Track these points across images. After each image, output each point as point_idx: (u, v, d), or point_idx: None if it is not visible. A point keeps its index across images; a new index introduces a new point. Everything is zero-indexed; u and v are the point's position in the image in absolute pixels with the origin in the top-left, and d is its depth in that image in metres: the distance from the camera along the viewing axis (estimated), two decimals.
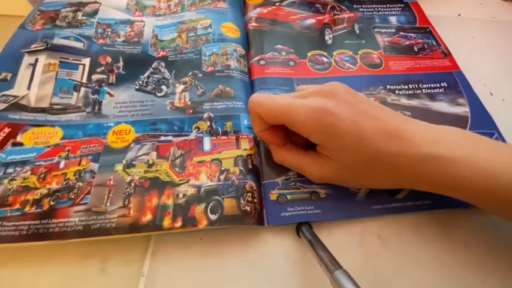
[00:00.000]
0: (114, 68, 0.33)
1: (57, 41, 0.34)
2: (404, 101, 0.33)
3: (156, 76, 0.33)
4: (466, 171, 0.21)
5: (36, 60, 0.32)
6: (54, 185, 0.25)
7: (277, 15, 0.40)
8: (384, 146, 0.22)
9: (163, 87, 0.32)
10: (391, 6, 0.43)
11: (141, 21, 0.38)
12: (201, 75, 0.33)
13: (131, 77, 0.32)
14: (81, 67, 0.33)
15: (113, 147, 0.27)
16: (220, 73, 0.33)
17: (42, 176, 0.25)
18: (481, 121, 0.32)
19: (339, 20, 0.41)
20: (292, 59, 0.36)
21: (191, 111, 0.30)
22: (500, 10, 0.45)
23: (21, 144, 0.27)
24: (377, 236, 0.25)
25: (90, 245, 0.24)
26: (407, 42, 0.39)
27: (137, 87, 0.32)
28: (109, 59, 0.33)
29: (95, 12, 0.37)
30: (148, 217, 0.24)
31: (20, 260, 0.23)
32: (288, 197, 0.26)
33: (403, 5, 0.44)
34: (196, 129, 0.29)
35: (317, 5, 0.42)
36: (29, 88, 0.30)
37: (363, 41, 0.39)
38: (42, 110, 0.29)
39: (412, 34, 0.40)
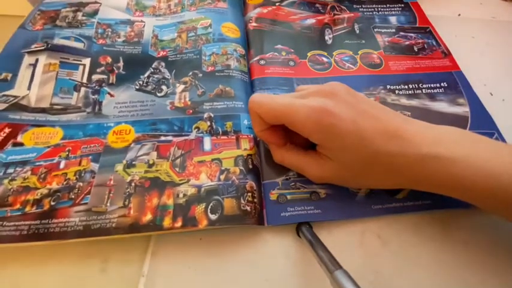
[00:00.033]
0: (114, 68, 0.33)
1: (58, 41, 0.34)
2: (404, 101, 0.33)
3: (156, 76, 0.33)
4: (466, 171, 0.21)
5: (37, 60, 0.32)
6: (54, 185, 0.25)
7: (277, 15, 0.40)
8: (384, 146, 0.22)
9: (164, 87, 0.32)
10: (391, 6, 0.43)
11: (141, 21, 0.38)
12: (201, 75, 0.33)
13: (131, 77, 0.32)
14: (81, 67, 0.33)
15: (113, 147, 0.27)
16: (220, 73, 0.33)
17: (42, 176, 0.25)
18: (481, 121, 0.32)
19: (339, 20, 0.41)
20: (292, 59, 0.36)
21: (191, 111, 0.30)
22: (500, 10, 0.45)
23: (21, 144, 0.27)
24: (377, 236, 0.25)
25: (90, 245, 0.24)
26: (407, 42, 0.39)
27: (137, 87, 0.32)
28: (109, 59, 0.33)
29: (95, 12, 0.37)
30: (148, 217, 0.24)
31: (20, 260, 0.23)
32: (288, 197, 0.26)
33: (403, 5, 0.44)
34: (196, 129, 0.29)
35: (317, 5, 0.42)
36: (29, 88, 0.30)
37: (363, 41, 0.39)
38: (43, 110, 0.29)
39: (412, 34, 0.40)
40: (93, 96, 0.31)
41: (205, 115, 0.30)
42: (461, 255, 0.25)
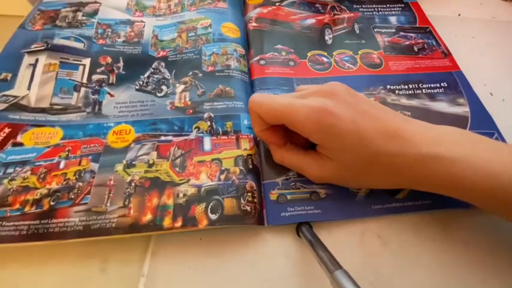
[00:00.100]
0: (114, 68, 0.33)
1: (58, 41, 0.34)
2: (404, 101, 0.33)
3: (156, 76, 0.33)
4: (466, 171, 0.21)
5: (37, 60, 0.32)
6: (54, 185, 0.25)
7: (277, 15, 0.40)
8: (384, 146, 0.22)
9: (164, 87, 0.32)
10: (391, 6, 0.43)
11: (141, 21, 0.38)
12: (201, 75, 0.33)
13: (131, 77, 0.32)
14: (81, 67, 0.33)
15: (113, 147, 0.27)
16: (220, 73, 0.33)
17: (42, 176, 0.25)
18: (481, 121, 0.32)
19: (339, 20, 0.41)
20: (292, 59, 0.36)
21: (191, 111, 0.30)
22: (500, 10, 0.45)
23: (21, 144, 0.27)
24: (377, 236, 0.25)
25: (90, 245, 0.24)
26: (407, 42, 0.39)
27: (137, 87, 0.32)
28: (109, 59, 0.33)
29: (95, 12, 0.37)
30: (148, 217, 0.24)
31: (20, 260, 0.23)
32: (288, 197, 0.26)
33: (403, 5, 0.44)
34: (196, 129, 0.29)
35: (317, 5, 0.42)
36: (29, 88, 0.30)
37: (363, 41, 0.39)
38: (43, 110, 0.29)
39: (412, 34, 0.40)
40: (93, 96, 0.31)
41: (206, 115, 0.30)
42: (461, 255, 0.25)
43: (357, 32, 0.40)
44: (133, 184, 0.25)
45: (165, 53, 0.35)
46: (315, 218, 0.25)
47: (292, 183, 0.27)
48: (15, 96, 0.29)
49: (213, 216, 0.24)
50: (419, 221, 0.26)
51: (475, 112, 0.32)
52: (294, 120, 0.23)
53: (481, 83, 0.35)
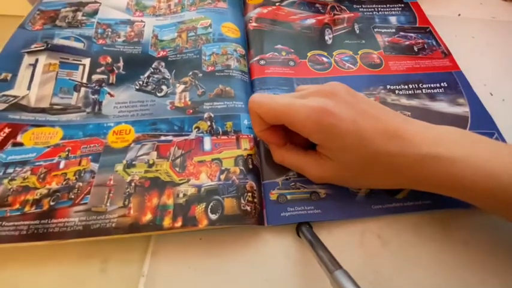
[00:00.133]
0: (114, 68, 0.33)
1: (57, 41, 0.34)
2: (404, 101, 0.33)
3: (156, 76, 0.33)
4: (466, 171, 0.21)
5: (37, 60, 0.32)
6: (54, 185, 0.25)
7: (277, 15, 0.40)
8: (384, 146, 0.22)
9: (164, 87, 0.32)
10: (391, 6, 0.43)
11: (141, 21, 0.38)
12: (201, 75, 0.33)
13: (131, 77, 0.32)
14: (81, 67, 0.33)
15: (113, 147, 0.27)
16: (220, 73, 0.33)
17: (42, 176, 0.25)
18: (481, 121, 0.32)
19: (339, 20, 0.41)
20: (292, 59, 0.36)
21: (191, 111, 0.30)
22: (500, 10, 0.45)
23: (21, 144, 0.27)
24: (377, 236, 0.25)
25: (90, 245, 0.24)
26: (407, 42, 0.39)
27: (137, 87, 0.32)
28: (109, 59, 0.33)
29: (95, 12, 0.37)
30: (148, 217, 0.24)
31: (20, 260, 0.23)
32: (288, 197, 0.26)
33: (403, 5, 0.44)
34: (196, 129, 0.29)
35: (317, 5, 0.42)
36: (29, 88, 0.30)
37: (363, 41, 0.39)
38: (42, 110, 0.29)
39: (412, 34, 0.40)
40: (93, 96, 0.31)
41: (206, 115, 0.30)
42: (461, 255, 0.25)
43: (357, 32, 0.40)
44: (133, 184, 0.25)
45: (165, 52, 0.35)
46: (315, 218, 0.25)
47: (292, 183, 0.27)
48: (15, 96, 0.29)
49: (213, 216, 0.24)
50: (419, 221, 0.26)
51: (475, 112, 0.32)
52: (294, 120, 0.23)
53: (481, 83, 0.35)
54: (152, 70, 0.33)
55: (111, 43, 0.35)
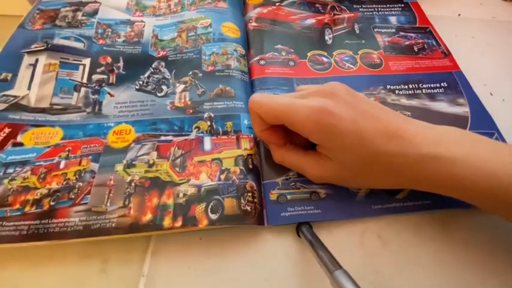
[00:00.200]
0: (114, 68, 0.33)
1: (58, 41, 0.34)
2: (404, 101, 0.33)
3: (156, 76, 0.33)
4: (466, 171, 0.21)
5: (37, 60, 0.32)
6: (54, 185, 0.25)
7: (277, 15, 0.40)
8: (384, 146, 0.22)
9: (164, 87, 0.32)
10: (391, 6, 0.43)
11: (141, 21, 0.38)
12: (201, 74, 0.33)
13: (131, 77, 0.32)
14: (81, 67, 0.33)
15: (113, 147, 0.27)
16: (220, 73, 0.33)
17: (42, 176, 0.25)
18: (481, 121, 0.32)
19: (339, 20, 0.41)
20: (292, 59, 0.36)
21: (191, 111, 0.30)
22: (500, 10, 0.45)
23: (21, 144, 0.27)
24: (377, 236, 0.25)
25: (90, 245, 0.24)
26: (407, 42, 0.39)
27: (137, 87, 0.32)
28: (109, 59, 0.33)
29: (95, 12, 0.37)
30: (148, 217, 0.24)
31: (20, 260, 0.23)
32: (288, 197, 0.26)
33: (403, 5, 0.44)
34: (196, 129, 0.29)
35: (317, 5, 0.42)
36: (29, 88, 0.30)
37: (363, 41, 0.39)
38: (43, 110, 0.29)
39: (412, 34, 0.40)
40: (93, 96, 0.31)
41: (206, 115, 0.30)
42: (461, 255, 0.25)
43: (357, 32, 0.40)
44: (133, 184, 0.25)
45: (165, 52, 0.35)
46: (315, 218, 0.25)
47: (292, 183, 0.27)
48: (15, 96, 0.29)
49: (213, 216, 0.24)
50: (419, 221, 0.26)
51: (475, 112, 0.32)
52: (294, 120, 0.23)
53: (481, 83, 0.35)
54: (152, 70, 0.33)
55: (111, 43, 0.35)
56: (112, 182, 0.25)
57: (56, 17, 0.36)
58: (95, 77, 0.32)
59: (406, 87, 0.34)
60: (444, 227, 0.26)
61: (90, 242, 0.23)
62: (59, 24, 0.35)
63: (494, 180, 0.20)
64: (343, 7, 0.42)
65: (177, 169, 0.26)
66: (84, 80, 0.32)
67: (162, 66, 0.33)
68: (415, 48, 0.38)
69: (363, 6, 0.43)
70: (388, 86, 0.34)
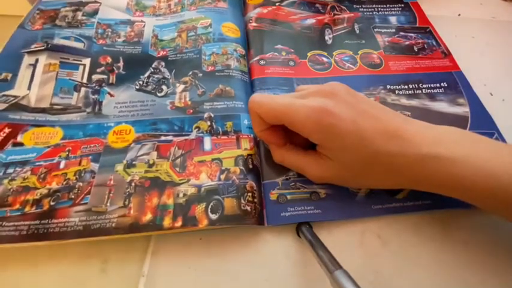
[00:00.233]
0: (114, 68, 0.33)
1: (58, 41, 0.34)
2: (404, 101, 0.33)
3: (156, 76, 0.33)
4: (466, 171, 0.21)
5: (37, 60, 0.32)
6: (54, 185, 0.25)
7: (277, 15, 0.40)
8: (384, 146, 0.22)
9: (164, 87, 0.32)
10: (391, 6, 0.43)
11: (141, 21, 0.38)
12: (201, 74, 0.33)
13: (131, 77, 0.32)
14: (81, 67, 0.33)
15: (113, 147, 0.27)
16: (220, 73, 0.33)
17: (42, 176, 0.25)
18: (481, 121, 0.32)
19: (339, 20, 0.41)
20: (292, 59, 0.36)
21: (191, 111, 0.30)
22: (500, 10, 0.45)
23: (21, 144, 0.27)
24: (377, 236, 0.25)
25: (90, 245, 0.24)
26: (407, 42, 0.39)
27: (137, 87, 0.32)
28: (109, 59, 0.33)
29: (95, 12, 0.37)
30: (148, 217, 0.24)
31: (20, 260, 0.23)
32: (288, 197, 0.26)
33: (403, 5, 0.44)
34: (196, 129, 0.29)
35: (317, 5, 0.42)
36: (29, 88, 0.30)
37: (363, 41, 0.39)
38: (43, 110, 0.29)
39: (412, 34, 0.40)
40: (93, 96, 0.31)
41: (206, 115, 0.30)
42: (461, 255, 0.25)
43: (357, 32, 0.40)
44: (133, 184, 0.25)
45: (165, 52, 0.35)
46: (315, 218, 0.25)
47: (292, 183, 0.27)
48: (15, 96, 0.29)
49: (213, 216, 0.24)
50: (419, 221, 0.26)
51: (475, 112, 0.32)
52: (294, 120, 0.23)
53: (481, 83, 0.35)
54: (152, 70, 0.33)
55: (111, 43, 0.35)
56: (112, 182, 0.25)
57: (56, 17, 0.36)
58: (95, 77, 0.32)
59: (406, 87, 0.34)
60: (444, 227, 0.26)
61: (90, 242, 0.23)
62: (59, 24, 0.35)
63: (494, 180, 0.20)
64: (343, 7, 0.42)
65: (177, 169, 0.26)
66: (84, 80, 0.32)
67: (162, 66, 0.33)
68: (415, 48, 0.38)
69: (363, 6, 0.43)
70: (388, 86, 0.34)
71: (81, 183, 0.25)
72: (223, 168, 0.26)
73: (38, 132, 0.28)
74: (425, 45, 0.38)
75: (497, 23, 0.43)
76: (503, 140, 0.30)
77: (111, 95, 0.31)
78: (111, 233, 0.23)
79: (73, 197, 0.25)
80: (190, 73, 0.33)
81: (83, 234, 0.23)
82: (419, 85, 0.34)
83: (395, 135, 0.22)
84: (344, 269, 0.19)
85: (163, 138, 0.28)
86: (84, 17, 0.37)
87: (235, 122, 0.29)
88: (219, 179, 0.26)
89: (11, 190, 0.24)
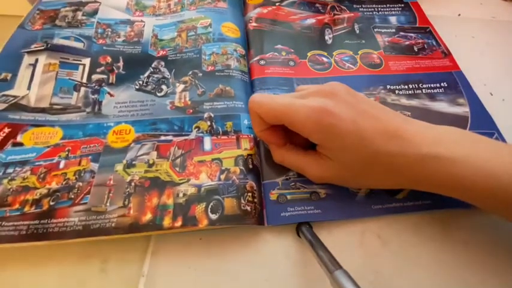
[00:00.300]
0: (114, 68, 0.33)
1: (57, 41, 0.34)
2: (404, 101, 0.33)
3: (156, 76, 0.33)
4: (466, 171, 0.21)
5: (36, 60, 0.32)
6: (53, 185, 0.25)
7: (277, 15, 0.40)
8: (384, 146, 0.22)
9: (164, 86, 0.32)
10: (391, 6, 0.43)
11: (141, 21, 0.38)
12: (201, 74, 0.33)
13: (131, 76, 0.32)
14: (81, 67, 0.33)
15: (113, 147, 0.27)
16: (220, 73, 0.33)
17: (42, 176, 0.25)
18: (481, 121, 0.32)
19: (339, 20, 0.41)
20: (292, 59, 0.36)
21: (191, 110, 0.30)
22: (500, 10, 0.45)
23: (21, 144, 0.27)
24: (377, 236, 0.25)
25: (90, 245, 0.24)
26: (407, 42, 0.39)
27: (137, 87, 0.32)
28: (109, 59, 0.33)
29: (95, 12, 0.37)
30: (148, 217, 0.24)
31: (20, 260, 0.23)
32: (288, 197, 0.26)
33: (403, 5, 0.44)
34: (196, 129, 0.29)
35: (317, 5, 0.42)
36: (29, 88, 0.30)
37: (363, 41, 0.39)
38: (42, 110, 0.29)
39: (412, 34, 0.40)
40: (92, 96, 0.31)
41: (206, 115, 0.30)
42: (461, 255, 0.25)
43: (357, 32, 0.40)
44: (133, 184, 0.25)
45: (164, 52, 0.35)
46: (315, 218, 0.25)
47: (292, 183, 0.27)
48: (15, 96, 0.29)
49: (213, 216, 0.24)
50: (419, 221, 0.26)
51: (475, 112, 0.32)
52: (294, 120, 0.23)
53: (481, 83, 0.35)
54: (152, 70, 0.33)
55: (111, 43, 0.35)
56: (112, 182, 0.25)
57: (55, 17, 0.36)
58: (94, 76, 0.32)
59: (406, 87, 0.34)
60: (444, 227, 0.26)
61: (90, 242, 0.23)
62: (59, 24, 0.35)
63: (494, 180, 0.20)
64: (343, 7, 0.42)
65: (177, 169, 0.26)
66: (84, 80, 0.32)
67: (161, 65, 0.33)
68: (415, 48, 0.38)
69: (363, 6, 0.43)
70: (388, 86, 0.34)
71: (80, 183, 0.25)
72: (223, 168, 0.26)
73: (37, 132, 0.28)
74: (425, 45, 0.38)
75: (497, 23, 0.43)
76: (503, 140, 0.30)
77: (111, 95, 0.31)
78: (110, 233, 0.23)
79: (73, 196, 0.24)
80: (190, 73, 0.33)
81: (83, 234, 0.23)
82: (419, 85, 0.34)
83: (395, 135, 0.22)
84: (344, 269, 0.19)
85: (163, 138, 0.28)
86: (84, 17, 0.37)
87: (235, 122, 0.29)
88: (219, 179, 0.26)
89: (11, 190, 0.24)
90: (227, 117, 0.30)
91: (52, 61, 0.32)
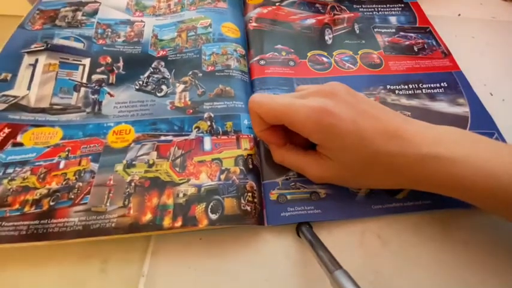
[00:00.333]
0: (114, 68, 0.33)
1: (57, 41, 0.34)
2: (404, 101, 0.33)
3: (156, 76, 0.33)
4: (466, 171, 0.21)
5: (36, 60, 0.32)
6: (53, 185, 0.25)
7: (277, 15, 0.40)
8: (384, 146, 0.22)
9: (164, 87, 0.32)
10: (391, 6, 0.43)
11: (141, 21, 0.38)
12: (201, 74, 0.33)
13: (131, 77, 0.32)
14: (81, 67, 0.33)
15: (113, 147, 0.27)
16: (220, 73, 0.33)
17: (42, 176, 0.25)
18: (481, 121, 0.32)
19: (339, 20, 0.41)
20: (292, 59, 0.36)
21: (191, 111, 0.30)
22: (500, 10, 0.45)
23: (21, 144, 0.27)
24: (377, 236, 0.25)
25: (90, 245, 0.24)
26: (407, 42, 0.39)
27: (137, 87, 0.32)
28: (109, 59, 0.33)
29: (95, 12, 0.37)
30: (148, 217, 0.24)
31: (20, 260, 0.23)
32: (288, 197, 0.26)
33: (403, 5, 0.44)
34: (196, 129, 0.29)
35: (317, 5, 0.42)
36: (29, 88, 0.30)
37: (363, 41, 0.39)
38: (42, 110, 0.29)
39: (412, 34, 0.40)
40: (92, 96, 0.31)
41: (206, 115, 0.30)
42: (461, 255, 0.25)
43: (357, 32, 0.40)
44: (133, 184, 0.25)
45: (164, 52, 0.35)
46: (315, 218, 0.25)
47: (292, 183, 0.27)
48: (15, 96, 0.29)
49: (213, 216, 0.24)
50: (419, 221, 0.26)
51: (475, 112, 0.32)
52: (294, 120, 0.23)
53: (481, 83, 0.35)
54: (152, 70, 0.33)
55: (111, 43, 0.35)
56: (112, 182, 0.25)
57: (55, 17, 0.36)
58: (94, 77, 0.32)
59: (406, 87, 0.34)
60: (444, 227, 0.26)
61: (90, 242, 0.23)
62: (59, 24, 0.35)
63: (494, 180, 0.20)
64: (343, 7, 0.42)
65: (177, 169, 0.26)
66: (84, 80, 0.32)
67: (161, 66, 0.33)
68: (415, 48, 0.38)
69: (363, 6, 0.43)
70: (388, 86, 0.34)
71: (80, 183, 0.25)
72: (223, 168, 0.26)
73: (37, 132, 0.28)
74: (425, 45, 0.38)
75: (497, 23, 0.43)
76: (503, 140, 0.30)
77: (111, 95, 0.31)
78: (110, 233, 0.23)
79: (73, 197, 0.24)
80: (190, 73, 0.33)
81: (83, 234, 0.23)
82: (419, 85, 0.34)
83: (395, 135, 0.22)
84: (344, 269, 0.19)
85: (163, 138, 0.28)
86: (84, 17, 0.37)
87: (235, 122, 0.29)
88: (219, 179, 0.26)
89: (11, 190, 0.24)
90: (227, 117, 0.30)
91: (52, 61, 0.32)
